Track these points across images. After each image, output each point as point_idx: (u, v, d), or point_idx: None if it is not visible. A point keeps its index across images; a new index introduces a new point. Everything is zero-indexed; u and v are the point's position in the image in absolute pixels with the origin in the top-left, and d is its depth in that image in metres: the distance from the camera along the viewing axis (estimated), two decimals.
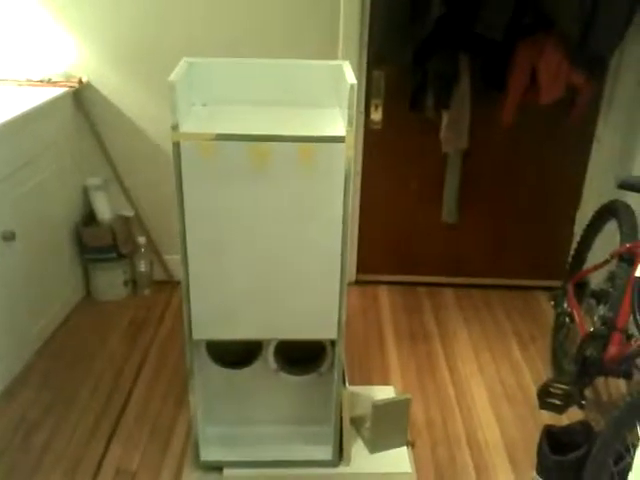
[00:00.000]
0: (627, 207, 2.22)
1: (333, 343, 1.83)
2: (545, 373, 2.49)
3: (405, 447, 2.07)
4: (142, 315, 2.80)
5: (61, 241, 2.69)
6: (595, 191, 2.84)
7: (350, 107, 1.53)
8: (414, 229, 2.96)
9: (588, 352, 2.00)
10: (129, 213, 2.85)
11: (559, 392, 1.88)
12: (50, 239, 2.57)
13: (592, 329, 2.05)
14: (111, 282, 2.87)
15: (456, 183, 2.74)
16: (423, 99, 2.55)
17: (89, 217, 2.81)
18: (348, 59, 2.54)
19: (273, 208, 1.61)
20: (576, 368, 2.05)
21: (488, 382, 2.45)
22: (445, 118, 2.57)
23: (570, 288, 2.38)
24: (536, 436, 2.00)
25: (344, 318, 1.76)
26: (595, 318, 2.16)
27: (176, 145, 1.54)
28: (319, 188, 1.60)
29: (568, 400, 1.88)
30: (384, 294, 3.00)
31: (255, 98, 1.77)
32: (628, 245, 2.06)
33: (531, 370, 2.52)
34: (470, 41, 2.44)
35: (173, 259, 3.01)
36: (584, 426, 1.93)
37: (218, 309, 1.72)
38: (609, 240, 2.51)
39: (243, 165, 1.56)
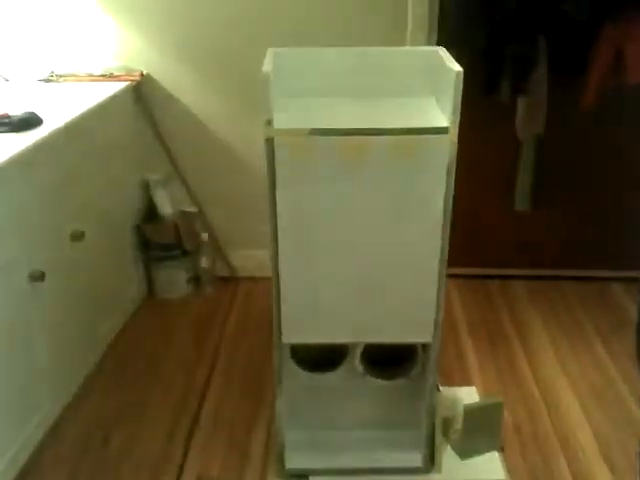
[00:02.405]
0: None
1: (424, 346, 1.74)
2: (632, 369, 2.37)
3: (496, 453, 1.97)
4: (207, 314, 2.74)
5: (124, 239, 2.63)
6: None
7: (456, 95, 1.42)
8: (485, 219, 2.85)
9: None
10: (192, 209, 2.78)
11: None
12: (114, 237, 2.52)
13: None
14: (174, 280, 2.81)
15: (530, 170, 2.62)
16: (498, 84, 2.43)
17: (151, 214, 2.74)
18: (417, 43, 2.45)
19: (369, 207, 1.52)
20: None
21: (573, 380, 2.33)
22: (521, 104, 2.45)
23: None
24: (631, 436, 1.89)
25: (441, 320, 1.66)
26: None
27: (270, 142, 1.45)
28: (419, 184, 1.50)
29: None
30: (453, 288, 2.89)
31: (344, 88, 1.67)
32: None
33: (616, 366, 2.40)
34: (548, 23, 2.31)
35: (236, 255, 2.94)
36: None
37: (309, 312, 1.64)
38: None
39: (338, 161, 1.47)
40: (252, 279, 2.94)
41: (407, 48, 1.65)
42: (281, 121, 1.47)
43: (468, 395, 2.14)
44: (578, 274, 2.92)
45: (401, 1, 2.46)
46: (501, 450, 2.00)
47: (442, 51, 1.60)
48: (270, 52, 1.61)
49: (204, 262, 2.87)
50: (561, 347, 2.51)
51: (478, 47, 2.36)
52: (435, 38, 2.53)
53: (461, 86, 1.41)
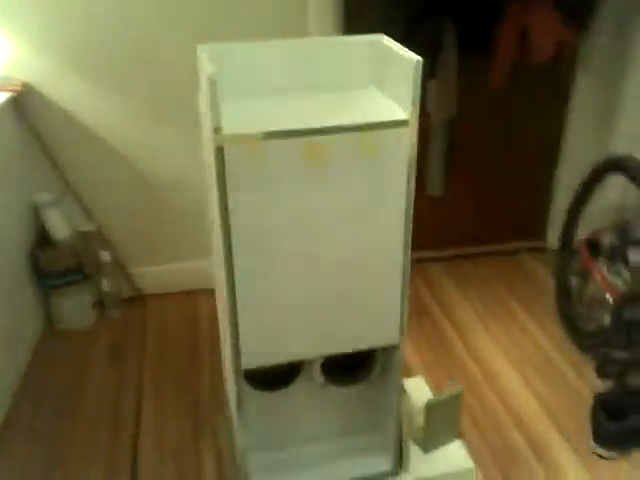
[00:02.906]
0: (638, 162, 2.17)
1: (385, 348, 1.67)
2: (558, 333, 2.44)
3: (457, 440, 1.95)
4: (120, 339, 2.52)
5: (17, 269, 2.35)
6: (572, 148, 2.81)
7: (415, 86, 1.34)
8: None
9: (628, 314, 1.94)
10: (90, 227, 2.53)
11: (619, 359, 1.81)
12: (5, 268, 2.23)
13: (628, 289, 2.00)
14: (78, 307, 2.56)
15: (442, 154, 2.62)
16: None
17: (45, 238, 2.47)
18: (321, 28, 2.36)
19: (331, 209, 1.41)
20: (614, 331, 1.99)
21: (506, 351, 2.37)
22: (431, 88, 2.42)
23: (583, 247, 2.33)
24: (574, 400, 2.00)
25: (406, 320, 1.59)
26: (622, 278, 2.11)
27: (219, 151, 1.30)
28: (381, 180, 1.41)
29: (629, 366, 1.81)
30: None
31: (283, 84, 1.54)
32: None
33: (543, 331, 2.47)
34: (453, 3, 2.30)
35: (141, 272, 2.73)
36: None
37: (271, 331, 1.51)
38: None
39: (298, 165, 1.35)
40: (160, 296, 2.75)
41: (346, 38, 1.55)
42: (226, 126, 1.32)
43: (418, 386, 2.10)
44: (490, 249, 2.97)
45: None
46: (460, 437, 1.97)
47: (387, 40, 1.51)
48: (201, 49, 1.45)
49: (106, 285, 2.64)
50: (487, 319, 2.55)
51: (383, 31, 2.29)
52: (341, 23, 2.45)
53: (420, 75, 1.33)
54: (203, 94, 1.44)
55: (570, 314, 2.43)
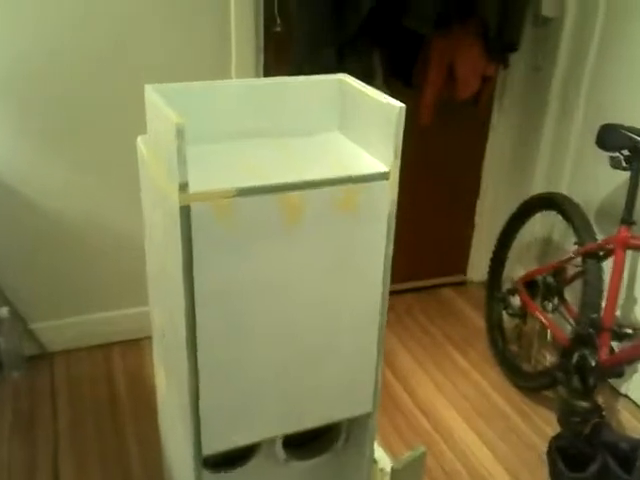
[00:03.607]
0: (570, 200, 2.17)
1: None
2: (497, 377, 2.39)
3: None
4: (26, 406, 2.21)
5: None
6: (491, 183, 2.82)
7: (397, 135, 1.22)
8: None
9: (578, 357, 1.92)
10: None
11: (581, 408, 1.77)
12: None
13: (575, 332, 1.97)
14: None
15: None
16: None
17: None
18: (243, 62, 2.22)
19: (305, 268, 1.26)
20: (565, 375, 1.95)
21: (451, 399, 2.29)
22: None
23: (521, 287, 2.30)
24: (527, 450, 1.98)
25: (380, 385, 1.46)
26: (569, 320, 2.10)
27: (185, 210, 1.12)
28: (359, 237, 1.28)
29: (591, 414, 1.77)
30: None
31: (241, 129, 1.38)
32: (599, 241, 2.00)
33: (483, 376, 2.41)
34: (383, 36, 2.22)
35: (44, 327, 2.44)
36: (595, 430, 1.84)
37: (234, 409, 1.33)
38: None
39: (272, 222, 1.19)
40: (67, 352, 2.47)
41: (307, 78, 1.41)
42: (191, 180, 1.14)
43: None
44: (416, 285, 2.91)
45: (224, 18, 2.20)
46: None
47: (352, 80, 1.39)
48: (150, 90, 1.27)
49: (4, 343, 2.33)
50: (427, 365, 2.46)
51: (330, 66, 2.17)
52: (262, 55, 2.32)
53: (403, 123, 1.22)
54: (156, 142, 1.25)
55: (508, 355, 2.39)
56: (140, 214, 1.41)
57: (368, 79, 2.17)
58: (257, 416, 1.36)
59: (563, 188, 2.47)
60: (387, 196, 1.26)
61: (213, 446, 1.34)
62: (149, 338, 2.41)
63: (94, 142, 2.23)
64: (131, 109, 2.13)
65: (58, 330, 2.46)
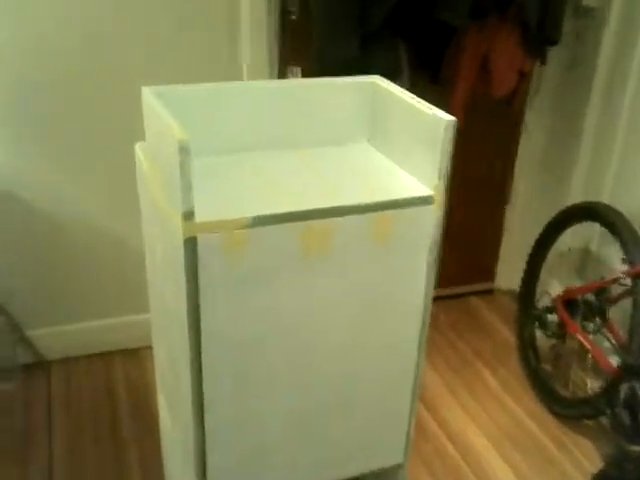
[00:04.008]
0: (616, 211, 1.96)
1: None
2: (532, 402, 2.20)
3: None
4: (19, 421, 2.05)
5: None
6: (524, 182, 2.61)
7: (444, 154, 1.03)
8: None
9: (627, 390, 1.72)
10: None
11: (637, 454, 1.58)
12: None
13: (624, 361, 1.78)
14: None
15: None
16: None
17: None
18: (254, 57, 2.02)
19: (331, 308, 1.08)
20: (611, 409, 1.76)
21: (483, 427, 2.09)
22: None
23: (560, 306, 2.10)
24: None
25: (413, 434, 1.28)
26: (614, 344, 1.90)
27: (190, 242, 0.93)
28: (395, 272, 1.09)
29: None
30: None
31: (255, 138, 1.19)
32: None
33: (516, 400, 2.22)
34: (410, 28, 2.01)
35: (41, 334, 2.27)
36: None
37: (245, 468, 1.15)
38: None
39: (292, 256, 1.01)
40: (66, 361, 2.30)
41: (332, 80, 1.21)
42: (197, 207, 0.95)
43: None
44: (442, 293, 2.72)
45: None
46: None
47: (387, 84, 1.19)
48: (147, 93, 1.07)
49: (2, 350, 2.16)
50: (455, 387, 2.27)
51: (351, 57, 1.96)
52: (277, 49, 2.11)
53: (452, 140, 1.02)
54: (155, 155, 1.06)
55: (542, 377, 2.20)
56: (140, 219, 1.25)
57: (393, 75, 1.96)
58: (270, 473, 1.18)
59: (604, 196, 2.26)
60: (430, 223, 1.07)
61: None
62: (150, 348, 2.25)
63: (92, 145, 2.05)
64: (130, 111, 1.95)
65: (56, 337, 2.29)
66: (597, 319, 2.01)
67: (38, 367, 2.26)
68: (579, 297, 2.07)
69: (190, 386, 1.03)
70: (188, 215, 0.92)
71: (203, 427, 1.07)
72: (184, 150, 0.88)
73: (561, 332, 2.10)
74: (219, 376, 1.04)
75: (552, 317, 2.15)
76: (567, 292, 2.12)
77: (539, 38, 2.08)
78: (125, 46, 1.94)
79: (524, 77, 2.22)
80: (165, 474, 1.62)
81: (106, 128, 2.03)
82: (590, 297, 2.04)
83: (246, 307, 1.01)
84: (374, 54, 1.97)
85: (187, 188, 0.90)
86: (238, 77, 2.08)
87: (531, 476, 1.91)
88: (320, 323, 1.08)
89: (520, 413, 2.14)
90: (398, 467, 1.30)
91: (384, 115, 1.19)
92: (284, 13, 2.06)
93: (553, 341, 2.17)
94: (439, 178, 1.05)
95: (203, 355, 1.01)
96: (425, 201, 1.05)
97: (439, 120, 1.02)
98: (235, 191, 1.05)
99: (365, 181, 1.11)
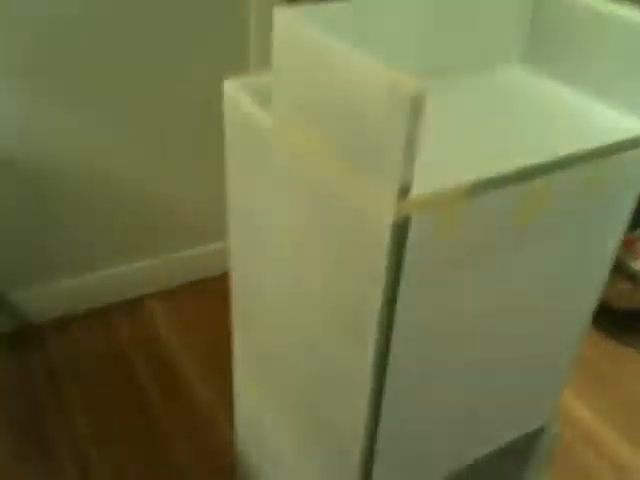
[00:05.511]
0: None
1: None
2: None
3: None
4: (25, 397, 1.78)
5: None
6: None
7: None
8: None
9: None
10: None
11: None
12: None
13: None
14: None
15: None
16: None
17: None
18: None
19: (530, 286, 0.88)
20: None
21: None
22: None
23: None
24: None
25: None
26: None
27: (401, 226, 0.71)
28: (595, 229, 0.90)
29: None
30: None
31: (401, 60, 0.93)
32: None
33: None
34: None
35: (27, 295, 1.97)
36: None
37: (408, 457, 0.98)
38: None
39: (503, 228, 0.80)
40: (61, 322, 2.01)
41: None
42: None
43: None
44: None
45: None
46: None
47: None
48: (282, 16, 0.79)
49: None
50: None
51: None
52: None
53: None
54: (315, 106, 0.79)
55: None
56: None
57: None
58: (430, 459, 1.01)
59: None
60: None
61: None
62: (152, 295, 2.00)
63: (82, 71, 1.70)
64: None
65: (45, 297, 2.00)
66: None
67: (27, 332, 1.97)
68: None
69: (371, 388, 0.83)
70: (404, 191, 0.68)
71: (375, 440, 0.88)
72: (417, 109, 0.63)
73: None
74: (404, 372, 0.84)
75: None
76: None
77: None
78: None
79: None
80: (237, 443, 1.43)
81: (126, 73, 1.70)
82: None
83: (446, 295, 0.80)
84: None
85: (410, 157, 0.66)
86: None
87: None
88: (516, 302, 0.89)
89: None
90: (548, 427, 1.17)
91: (550, 24, 0.96)
92: None
93: None
94: None
95: (391, 353, 0.81)
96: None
97: None
98: (423, 151, 0.81)
99: (548, 118, 0.89)
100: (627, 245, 1.94)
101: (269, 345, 1.06)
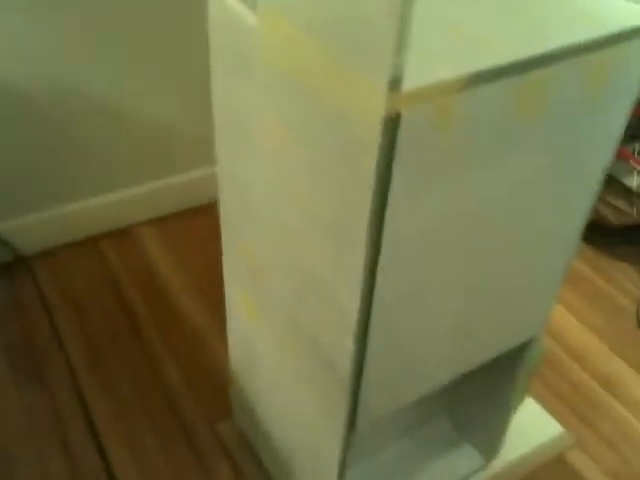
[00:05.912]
0: None
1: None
2: None
3: (530, 402, 1.60)
4: (17, 331, 1.77)
5: None
6: None
7: None
8: None
9: None
10: None
11: None
12: None
13: None
14: None
15: None
16: None
17: None
18: None
19: (527, 186, 0.86)
20: None
21: None
22: None
23: None
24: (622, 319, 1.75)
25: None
26: None
27: (392, 121, 0.67)
28: (595, 125, 0.87)
29: None
30: None
31: None
32: None
33: None
34: None
35: (13, 226, 1.93)
36: None
37: (400, 372, 0.98)
38: None
39: (499, 123, 0.76)
40: (50, 252, 1.99)
41: None
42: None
43: None
44: None
45: None
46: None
47: None
48: None
49: None
50: None
51: None
52: None
53: None
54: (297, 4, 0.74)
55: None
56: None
57: None
58: (421, 374, 1.01)
59: None
60: None
61: (370, 413, 1.00)
62: (142, 223, 1.97)
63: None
64: None
65: (33, 227, 1.96)
66: None
67: (16, 266, 1.95)
68: None
69: (358, 306, 0.81)
70: (395, 83, 0.64)
71: (365, 345, 0.86)
72: None
73: None
74: (391, 282, 0.82)
75: None
76: None
77: None
78: None
79: None
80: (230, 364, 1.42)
81: None
82: None
83: (438, 197, 0.77)
84: None
85: (401, 46, 0.62)
86: None
87: (597, 322, 1.85)
88: (511, 204, 0.86)
89: None
90: (536, 340, 1.16)
91: None
92: None
93: None
94: None
95: (382, 254, 0.78)
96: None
97: None
98: (416, 42, 0.77)
99: (566, 11, 0.84)
100: (621, 158, 1.92)
101: (256, 258, 1.03)
